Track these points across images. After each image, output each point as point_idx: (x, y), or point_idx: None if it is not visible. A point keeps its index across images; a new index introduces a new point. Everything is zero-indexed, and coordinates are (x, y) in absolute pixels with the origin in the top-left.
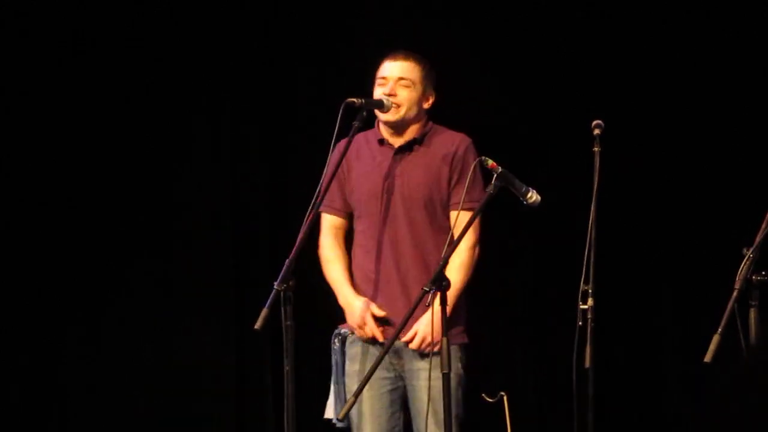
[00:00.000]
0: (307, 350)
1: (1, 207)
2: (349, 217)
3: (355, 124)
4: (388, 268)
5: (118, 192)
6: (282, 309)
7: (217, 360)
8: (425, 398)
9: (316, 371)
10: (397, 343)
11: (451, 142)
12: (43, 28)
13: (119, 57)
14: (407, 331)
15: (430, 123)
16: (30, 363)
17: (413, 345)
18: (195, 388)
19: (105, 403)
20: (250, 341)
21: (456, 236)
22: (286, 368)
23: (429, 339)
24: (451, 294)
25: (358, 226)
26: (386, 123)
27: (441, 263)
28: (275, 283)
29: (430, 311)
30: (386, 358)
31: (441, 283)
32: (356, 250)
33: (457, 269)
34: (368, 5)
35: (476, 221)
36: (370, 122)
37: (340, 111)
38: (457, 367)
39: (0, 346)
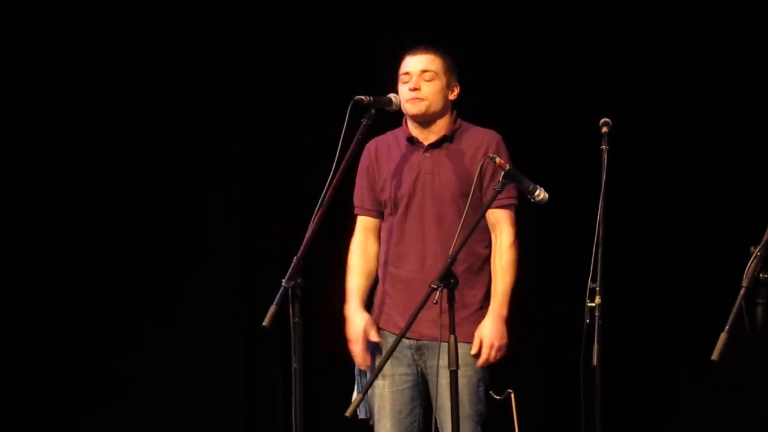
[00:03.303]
0: (317, 347)
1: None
2: (383, 216)
3: (364, 121)
4: (413, 265)
5: (122, 193)
6: (290, 306)
7: (226, 357)
8: (446, 395)
9: (326, 368)
10: (419, 340)
11: (480, 138)
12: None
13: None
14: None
15: (460, 120)
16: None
17: (475, 353)
18: (204, 385)
19: (112, 400)
20: (259, 338)
21: (464, 236)
22: (294, 365)
23: (496, 344)
24: (503, 295)
25: (386, 224)
26: (413, 117)
27: (449, 261)
28: (283, 281)
29: (488, 317)
30: (408, 354)
31: (449, 280)
32: (383, 247)
33: (503, 272)
34: (376, 4)
35: (513, 218)
36: (378, 120)
37: (349, 109)
38: (475, 363)
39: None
